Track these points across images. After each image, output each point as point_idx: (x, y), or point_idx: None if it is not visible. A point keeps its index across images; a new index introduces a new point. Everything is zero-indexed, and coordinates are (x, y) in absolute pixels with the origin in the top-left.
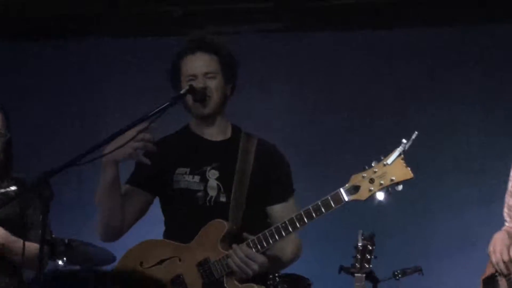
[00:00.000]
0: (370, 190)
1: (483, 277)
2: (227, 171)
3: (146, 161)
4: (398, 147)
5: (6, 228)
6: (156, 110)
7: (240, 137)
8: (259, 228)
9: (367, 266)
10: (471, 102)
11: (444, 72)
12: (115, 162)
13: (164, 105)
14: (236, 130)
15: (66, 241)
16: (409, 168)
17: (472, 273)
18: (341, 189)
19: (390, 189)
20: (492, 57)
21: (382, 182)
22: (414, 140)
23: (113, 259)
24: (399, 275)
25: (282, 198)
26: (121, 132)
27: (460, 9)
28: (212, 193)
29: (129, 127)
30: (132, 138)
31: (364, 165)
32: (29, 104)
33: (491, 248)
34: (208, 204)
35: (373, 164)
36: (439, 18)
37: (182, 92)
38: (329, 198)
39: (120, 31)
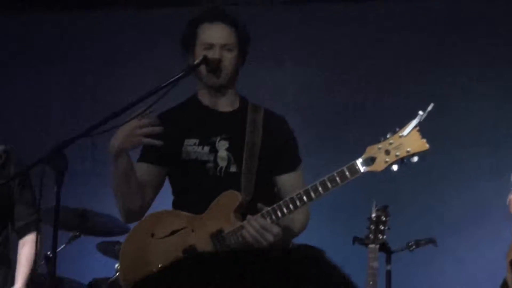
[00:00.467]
0: (386, 162)
1: (510, 258)
2: (237, 142)
3: (158, 142)
4: (414, 118)
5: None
6: (170, 80)
7: (247, 108)
8: (269, 198)
9: (380, 237)
10: (486, 73)
11: (460, 43)
12: (125, 151)
13: (178, 75)
14: (243, 101)
15: (80, 211)
16: (424, 140)
17: (485, 244)
18: (357, 161)
19: (405, 160)
20: (509, 29)
21: (398, 153)
22: (429, 111)
23: (128, 229)
24: (413, 246)
25: (292, 167)
26: (134, 104)
27: None
28: (222, 163)
29: (143, 98)
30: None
31: (379, 137)
32: (43, 77)
33: None
34: (218, 174)
35: (388, 136)
36: None
37: (196, 62)
38: (345, 169)
39: (133, 2)
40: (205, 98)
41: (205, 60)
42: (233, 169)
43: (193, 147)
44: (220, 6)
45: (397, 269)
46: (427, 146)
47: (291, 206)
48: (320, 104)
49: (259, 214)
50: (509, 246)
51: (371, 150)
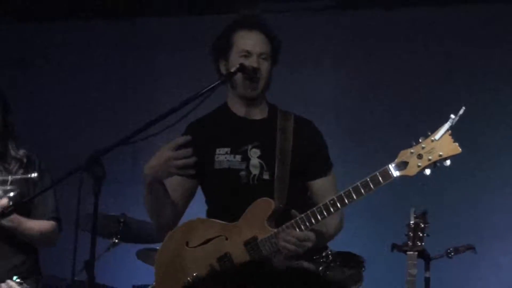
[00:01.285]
0: (418, 166)
1: None
2: (268, 149)
3: (192, 171)
4: (445, 122)
5: (16, 207)
6: (206, 89)
7: (276, 115)
8: (302, 203)
9: (419, 243)
10: None
11: (495, 49)
12: (160, 181)
13: (215, 84)
14: (272, 108)
15: (121, 218)
16: (457, 143)
17: None
18: (390, 165)
19: (438, 164)
20: None
21: (430, 157)
22: (463, 116)
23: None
24: (452, 253)
25: (323, 173)
26: (171, 112)
27: None
28: (255, 171)
29: (180, 106)
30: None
31: (412, 142)
32: (80, 84)
33: None
34: (251, 182)
35: (420, 140)
36: None
37: (233, 69)
38: (378, 174)
39: (171, 11)
40: (235, 107)
41: (242, 67)
42: (266, 176)
43: (225, 156)
44: (257, 14)
45: (436, 276)
46: (459, 149)
47: (325, 212)
48: (356, 111)
49: (289, 224)
50: None
51: (403, 155)
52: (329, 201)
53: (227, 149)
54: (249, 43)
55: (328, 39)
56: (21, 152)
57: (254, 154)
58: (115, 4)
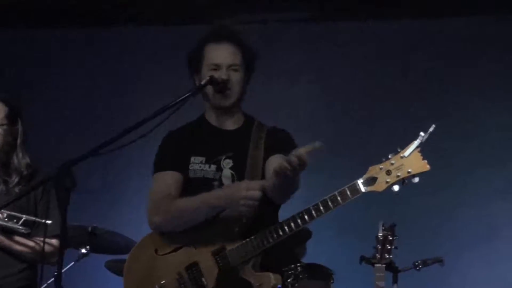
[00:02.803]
0: (387, 182)
1: None
2: (240, 160)
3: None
4: (415, 139)
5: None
6: (177, 101)
7: (252, 126)
8: (273, 215)
9: (387, 256)
10: (497, 93)
11: (471, 62)
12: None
13: (185, 96)
14: (248, 119)
15: (90, 229)
16: (425, 161)
17: (493, 264)
18: (358, 180)
19: (406, 181)
20: None
21: (399, 174)
22: (432, 132)
23: None
24: (420, 266)
25: (282, 151)
26: (144, 121)
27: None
28: (226, 182)
29: (152, 116)
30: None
31: (382, 157)
32: (56, 94)
33: None
34: None
35: (390, 156)
36: (464, 7)
37: (203, 83)
38: (346, 188)
39: (144, 20)
40: (211, 118)
41: (211, 80)
42: None
43: (199, 165)
44: (226, 25)
45: None
46: (428, 167)
47: (292, 225)
48: (330, 122)
49: (257, 236)
50: None
51: (373, 170)
52: (297, 214)
53: (202, 159)
54: (217, 56)
55: (303, 51)
56: (24, 163)
57: (227, 165)
58: (89, 14)
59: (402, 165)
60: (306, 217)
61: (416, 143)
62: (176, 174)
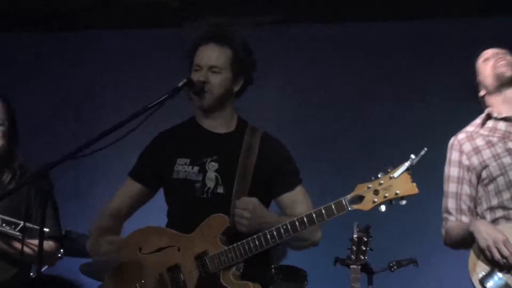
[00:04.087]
0: (373, 202)
1: (478, 277)
2: (227, 164)
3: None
4: (406, 161)
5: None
6: (154, 103)
7: (245, 131)
8: None
9: (362, 257)
10: (469, 95)
11: (439, 65)
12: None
13: (162, 98)
14: (241, 123)
15: (63, 232)
16: (414, 184)
17: (465, 264)
18: (345, 198)
19: (393, 202)
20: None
21: (386, 194)
22: (403, 135)
23: None
24: (394, 267)
25: (289, 187)
26: (118, 126)
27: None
28: (210, 184)
29: (128, 120)
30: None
31: (370, 174)
32: (24, 97)
33: (489, 242)
34: (205, 195)
35: (379, 176)
36: (436, 10)
37: (179, 85)
38: (332, 205)
39: (116, 23)
40: (200, 119)
41: (188, 82)
42: (219, 190)
43: (183, 166)
44: (219, 26)
45: None
46: (416, 190)
47: (276, 236)
48: (299, 126)
49: (240, 243)
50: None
51: (360, 188)
52: (282, 225)
53: (187, 160)
54: (201, 57)
55: (274, 53)
56: (16, 162)
57: (212, 168)
58: (59, 18)
59: (390, 185)
60: (290, 229)
61: (406, 164)
62: (137, 187)
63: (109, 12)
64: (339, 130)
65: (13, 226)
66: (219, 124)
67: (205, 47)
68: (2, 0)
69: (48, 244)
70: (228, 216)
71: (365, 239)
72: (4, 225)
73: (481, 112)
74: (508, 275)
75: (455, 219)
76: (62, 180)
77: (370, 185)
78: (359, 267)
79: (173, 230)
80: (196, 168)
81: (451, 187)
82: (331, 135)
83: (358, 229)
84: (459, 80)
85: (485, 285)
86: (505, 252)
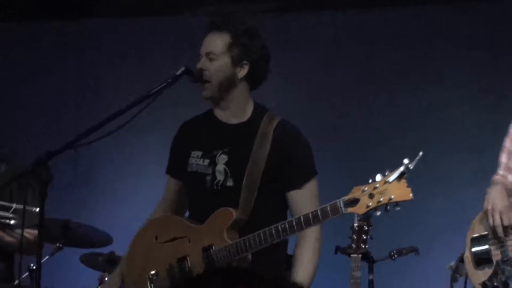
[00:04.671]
0: (367, 206)
1: (472, 235)
2: (237, 156)
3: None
4: (401, 165)
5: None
6: (152, 92)
7: (261, 119)
8: (273, 213)
9: (363, 246)
10: (465, 81)
11: (436, 52)
12: None
13: (161, 86)
14: (258, 111)
15: (63, 222)
16: (410, 189)
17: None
18: (340, 200)
19: (388, 207)
20: (486, 36)
21: (381, 199)
22: (402, 125)
23: (111, 241)
24: (395, 255)
25: (298, 184)
26: (118, 114)
27: None
28: (220, 177)
29: (127, 108)
30: None
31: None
32: (26, 86)
33: (489, 207)
34: (215, 187)
35: (376, 179)
36: None
37: (177, 73)
38: (328, 207)
39: (118, 11)
40: (215, 110)
41: (186, 70)
42: (229, 183)
43: (196, 159)
44: (220, 13)
45: (380, 278)
46: (411, 196)
47: (274, 235)
48: (298, 115)
49: (242, 240)
50: (472, 224)
51: (356, 191)
52: (280, 225)
53: (199, 153)
54: (201, 46)
55: (271, 42)
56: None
57: (222, 160)
58: (62, 6)
59: (385, 190)
60: (288, 229)
61: (401, 169)
62: (173, 183)
63: (111, 1)
64: (340, 121)
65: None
66: (231, 114)
67: (207, 36)
68: None
69: (30, 233)
70: (235, 209)
71: (366, 228)
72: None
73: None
74: (494, 245)
75: (502, 174)
76: (61, 170)
77: (366, 188)
78: (360, 255)
79: (186, 220)
80: (206, 161)
81: (508, 144)
82: (331, 126)
83: (358, 218)
84: (465, 67)
85: (472, 245)
86: (496, 221)
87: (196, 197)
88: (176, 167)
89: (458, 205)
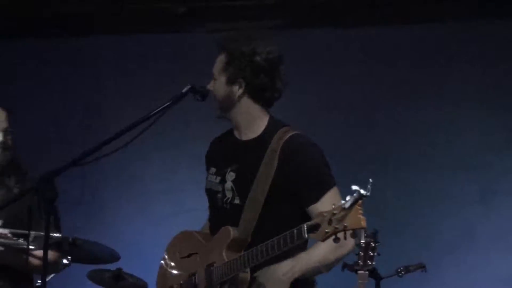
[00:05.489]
0: (326, 232)
1: None
2: (244, 174)
3: None
4: (354, 193)
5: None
6: (157, 110)
7: (274, 135)
8: (280, 229)
9: (370, 263)
10: (470, 99)
11: (442, 69)
12: None
13: (165, 105)
14: (272, 127)
15: (70, 239)
16: (363, 218)
17: (475, 268)
18: (305, 225)
19: (346, 234)
20: (491, 54)
21: (337, 226)
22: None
23: (118, 257)
24: (402, 272)
25: (314, 199)
26: (123, 132)
27: (460, 5)
28: (228, 194)
29: (132, 126)
30: None
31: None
32: (32, 103)
33: None
34: (225, 206)
35: (342, 202)
36: (438, 14)
37: (183, 91)
38: (295, 232)
39: (122, 29)
40: (234, 128)
41: (192, 88)
42: (236, 201)
43: (211, 176)
44: (219, 35)
45: None
46: (363, 224)
47: (264, 253)
48: (308, 130)
49: (237, 258)
50: None
51: (319, 216)
52: (260, 247)
53: (214, 170)
54: None
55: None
56: (23, 169)
57: (230, 178)
58: (66, 23)
59: (343, 216)
60: (264, 253)
61: (355, 195)
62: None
63: (114, 17)
64: (345, 135)
65: (18, 238)
66: (243, 131)
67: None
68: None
69: (51, 253)
70: (234, 228)
71: (373, 245)
72: (15, 238)
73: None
74: None
75: None
76: (68, 187)
77: (326, 214)
78: (367, 272)
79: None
80: (218, 178)
81: None
82: (337, 139)
83: (365, 235)
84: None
85: None
86: None
87: (211, 213)
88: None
89: (466, 223)
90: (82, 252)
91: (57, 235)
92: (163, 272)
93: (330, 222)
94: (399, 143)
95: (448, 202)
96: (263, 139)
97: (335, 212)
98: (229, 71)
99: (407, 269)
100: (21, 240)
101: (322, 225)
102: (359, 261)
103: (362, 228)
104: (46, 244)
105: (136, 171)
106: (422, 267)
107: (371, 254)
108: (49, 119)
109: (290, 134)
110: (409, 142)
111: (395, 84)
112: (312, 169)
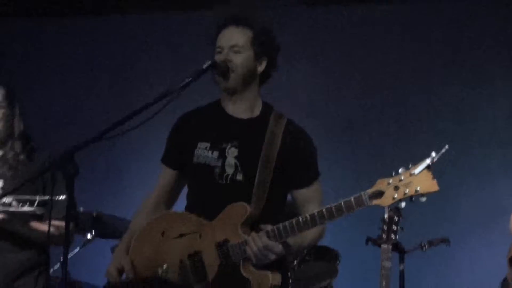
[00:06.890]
0: (393, 198)
1: (509, 256)
2: (248, 151)
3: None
4: (427, 158)
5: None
6: (178, 86)
7: (269, 117)
8: (278, 210)
9: (393, 237)
10: (498, 73)
11: (470, 47)
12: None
13: (187, 81)
14: (266, 109)
15: (94, 214)
16: (435, 181)
17: (498, 242)
18: (365, 192)
19: (413, 198)
20: None
21: (406, 191)
22: (435, 115)
23: None
24: (426, 246)
25: (307, 183)
26: (146, 106)
27: None
28: (229, 170)
29: (154, 102)
30: None
31: (391, 170)
32: (59, 80)
33: None
34: (224, 181)
35: (400, 171)
36: None
37: (204, 67)
38: (352, 200)
39: (146, 7)
40: (225, 103)
41: (213, 64)
42: (239, 177)
43: (203, 150)
44: (237, 7)
45: (410, 269)
46: (437, 187)
47: (296, 229)
48: (327, 107)
49: (264, 232)
50: (510, 245)
51: (380, 184)
52: (302, 219)
53: (207, 144)
54: (222, 39)
55: (300, 34)
56: (19, 147)
57: (232, 153)
58: (93, 2)
59: (411, 182)
60: (310, 223)
61: (427, 161)
62: (169, 173)
63: None
64: (371, 114)
65: (28, 204)
66: (243, 109)
67: (225, 30)
68: None
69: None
70: (248, 204)
71: (396, 219)
72: (21, 204)
73: None
74: None
75: None
76: (93, 162)
77: (391, 181)
78: (391, 246)
79: (193, 213)
80: (215, 153)
81: None
82: (362, 118)
83: (389, 209)
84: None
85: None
86: None
87: (201, 190)
88: (177, 157)
89: (491, 197)
90: (105, 226)
91: (62, 197)
92: (142, 255)
93: (396, 188)
94: (423, 120)
95: (474, 177)
96: (262, 120)
97: (401, 178)
98: (256, 46)
99: (430, 243)
100: (25, 207)
101: (386, 191)
102: (383, 235)
103: (437, 190)
104: (68, 219)
105: (162, 145)
106: (445, 240)
107: (395, 228)
108: (76, 95)
109: (286, 119)
110: (434, 119)
111: (420, 63)
112: (311, 155)
